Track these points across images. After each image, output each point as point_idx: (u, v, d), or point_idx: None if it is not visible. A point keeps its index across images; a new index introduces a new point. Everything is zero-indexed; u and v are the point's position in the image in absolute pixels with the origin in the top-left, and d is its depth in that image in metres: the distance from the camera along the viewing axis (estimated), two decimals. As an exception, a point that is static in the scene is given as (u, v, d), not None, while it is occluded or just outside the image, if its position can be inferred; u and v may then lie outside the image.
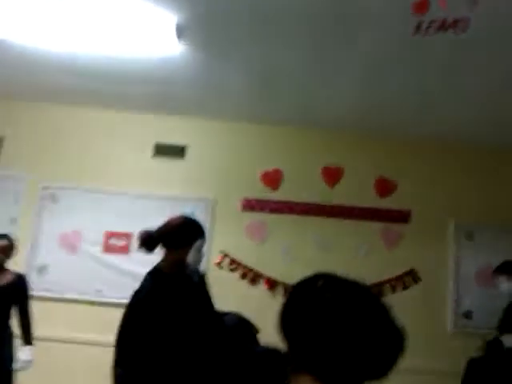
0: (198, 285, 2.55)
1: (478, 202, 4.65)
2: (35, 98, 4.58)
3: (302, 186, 4.65)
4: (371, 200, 4.66)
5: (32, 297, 3.63)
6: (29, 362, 3.41)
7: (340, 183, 4.69)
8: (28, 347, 3.43)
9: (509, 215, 4.62)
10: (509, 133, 4.34)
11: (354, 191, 4.65)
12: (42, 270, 4.33)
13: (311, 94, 3.97)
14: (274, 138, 4.73)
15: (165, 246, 2.43)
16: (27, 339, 3.45)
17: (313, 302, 0.88)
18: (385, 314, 0.90)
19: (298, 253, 4.49)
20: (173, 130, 4.70)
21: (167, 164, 4.63)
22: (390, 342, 0.87)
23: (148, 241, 2.42)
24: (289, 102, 4.14)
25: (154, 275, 2.44)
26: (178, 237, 2.40)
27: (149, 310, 2.31)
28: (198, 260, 2.49)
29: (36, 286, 4.25)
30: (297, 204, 4.61)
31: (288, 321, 0.92)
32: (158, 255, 4.31)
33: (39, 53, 3.51)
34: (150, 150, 4.65)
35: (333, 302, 0.87)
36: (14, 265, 4.05)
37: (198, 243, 2.43)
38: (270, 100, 4.15)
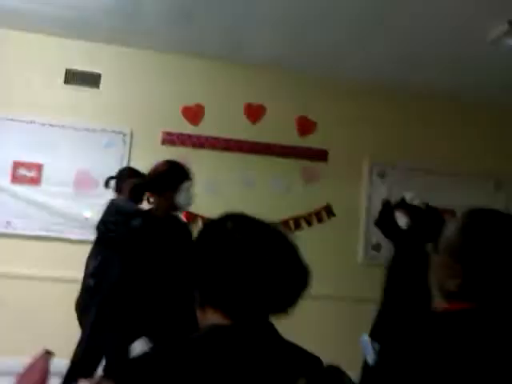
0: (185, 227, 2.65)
1: (391, 143, 4.86)
2: None
3: (225, 122, 4.62)
4: (292, 138, 4.72)
5: None
6: None
7: (262, 120, 4.71)
8: None
9: (418, 155, 4.88)
10: (420, 71, 4.52)
11: (276, 129, 4.69)
12: None
13: (237, 30, 3.89)
14: (196, 72, 4.61)
15: (153, 192, 2.51)
16: None
17: (222, 241, 0.91)
18: (290, 252, 0.93)
19: (219, 188, 4.49)
20: (87, 57, 4.42)
21: (81, 92, 4.38)
22: (293, 278, 0.91)
23: (136, 191, 2.45)
24: (212, 34, 4.03)
25: (145, 218, 2.50)
26: (165, 181, 2.48)
27: (140, 249, 2.37)
28: (188, 202, 2.57)
29: None
30: (218, 139, 4.58)
31: (197, 258, 0.93)
32: (68, 187, 4.19)
33: None
34: (61, 77, 4.37)
35: (241, 242, 0.89)
36: None
37: (185, 185, 2.51)
38: (192, 31, 4.02)
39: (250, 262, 0.87)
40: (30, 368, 1.17)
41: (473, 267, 1.01)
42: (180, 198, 2.50)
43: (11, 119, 4.18)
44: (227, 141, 4.59)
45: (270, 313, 0.91)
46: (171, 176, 2.50)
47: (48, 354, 1.20)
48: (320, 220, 4.66)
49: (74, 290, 4.07)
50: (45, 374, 1.13)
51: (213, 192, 4.47)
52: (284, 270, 0.89)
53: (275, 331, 0.90)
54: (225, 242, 0.90)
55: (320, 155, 4.76)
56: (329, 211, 4.69)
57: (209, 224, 0.98)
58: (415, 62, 4.24)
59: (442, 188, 4.84)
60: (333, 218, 4.69)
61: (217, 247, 0.90)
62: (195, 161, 4.50)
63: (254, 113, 4.70)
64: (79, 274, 4.19)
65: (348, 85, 4.81)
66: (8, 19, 4.10)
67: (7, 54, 4.29)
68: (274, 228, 0.95)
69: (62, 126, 4.26)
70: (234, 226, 0.92)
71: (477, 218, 1.08)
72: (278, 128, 4.69)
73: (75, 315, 3.32)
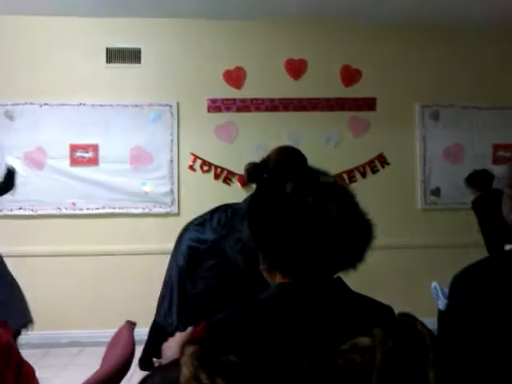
0: None
1: (440, 83, 4.67)
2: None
3: (266, 82, 4.57)
4: (336, 90, 4.62)
5: (3, 216, 3.59)
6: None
7: (304, 75, 4.62)
8: None
9: (470, 93, 4.67)
10: (465, 9, 4.27)
11: (319, 82, 4.60)
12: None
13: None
14: (232, 34, 4.55)
15: None
16: None
17: (284, 208, 0.88)
18: (352, 207, 0.91)
19: (268, 149, 4.48)
20: (125, 34, 4.45)
21: (124, 70, 4.44)
22: (357, 234, 0.89)
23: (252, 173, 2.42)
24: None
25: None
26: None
27: None
28: None
29: (8, 205, 4.21)
30: (263, 100, 4.55)
31: (259, 225, 0.92)
32: (124, 164, 4.31)
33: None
34: (103, 57, 4.44)
35: (303, 207, 0.87)
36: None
37: None
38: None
39: (313, 223, 0.87)
40: (116, 338, 1.24)
41: None
42: None
43: (62, 104, 4.32)
44: (272, 100, 4.55)
45: (338, 269, 0.92)
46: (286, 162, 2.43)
47: (131, 324, 1.26)
48: (374, 170, 4.59)
49: (143, 261, 4.28)
50: (130, 344, 1.20)
51: (261, 153, 4.46)
52: (347, 226, 0.88)
53: (345, 285, 0.91)
54: (285, 208, 0.89)
55: (368, 104, 4.64)
56: (383, 160, 4.61)
57: (266, 186, 0.97)
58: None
59: (499, 123, 4.64)
60: (387, 167, 4.61)
61: (277, 213, 0.89)
62: (242, 124, 4.52)
63: (296, 68, 4.62)
64: (147, 246, 4.39)
65: (388, 29, 4.62)
66: (39, 7, 4.18)
67: (47, 40, 4.39)
68: (333, 182, 0.94)
69: (111, 106, 4.36)
70: (294, 187, 0.91)
71: None
72: (321, 81, 4.60)
73: (147, 285, 3.47)
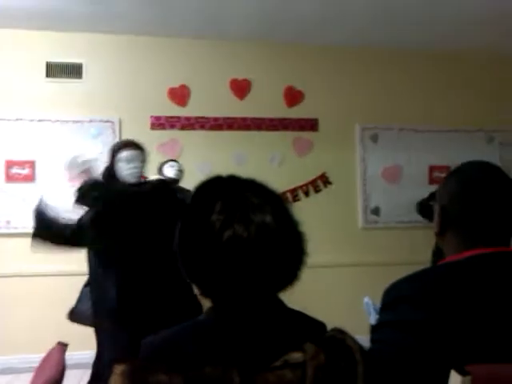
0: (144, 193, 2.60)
1: (379, 105, 4.85)
2: None
3: (211, 101, 4.58)
4: (281, 111, 4.70)
5: None
6: None
7: (249, 95, 4.68)
8: None
9: (408, 116, 4.87)
10: (407, 32, 4.48)
11: (263, 103, 4.67)
12: None
13: (212, 6, 3.84)
14: (177, 53, 4.56)
15: None
16: None
17: (211, 245, 0.86)
18: (290, 225, 0.92)
19: (211, 167, 4.49)
20: (66, 48, 4.36)
21: (64, 85, 4.33)
22: (291, 254, 0.91)
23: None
24: (188, 12, 3.98)
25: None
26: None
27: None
28: (133, 172, 2.56)
29: None
30: (207, 119, 4.56)
31: (189, 261, 0.90)
32: (67, 181, 4.17)
33: None
34: (43, 70, 4.31)
35: (230, 242, 0.85)
36: None
37: (120, 156, 2.56)
38: (167, 11, 3.96)
39: (241, 256, 0.85)
40: (45, 361, 1.19)
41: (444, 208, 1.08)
42: (119, 170, 2.55)
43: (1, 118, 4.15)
44: (216, 119, 4.57)
45: (274, 289, 0.91)
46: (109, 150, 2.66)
47: (62, 346, 1.21)
48: (317, 189, 4.68)
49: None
50: (60, 366, 1.15)
51: (206, 172, 4.45)
52: (274, 251, 0.88)
53: (280, 303, 0.91)
54: (212, 245, 0.86)
55: (310, 124, 4.75)
56: (325, 180, 4.71)
57: (196, 206, 0.94)
58: (394, 19, 4.20)
59: (435, 145, 4.85)
60: (329, 186, 4.71)
61: (204, 250, 0.87)
62: (186, 142, 4.50)
63: (240, 88, 4.67)
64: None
65: (331, 51, 4.77)
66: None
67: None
68: (259, 203, 0.91)
69: (50, 121, 4.23)
70: (219, 219, 0.89)
71: (458, 168, 1.14)
72: (265, 101, 4.67)
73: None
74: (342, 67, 4.82)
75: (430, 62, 4.92)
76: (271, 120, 4.66)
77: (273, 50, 4.69)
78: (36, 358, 3.70)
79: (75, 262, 4.15)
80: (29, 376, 3.65)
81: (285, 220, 0.91)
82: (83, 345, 3.60)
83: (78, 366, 3.42)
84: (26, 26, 4.21)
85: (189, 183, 4.51)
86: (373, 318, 1.31)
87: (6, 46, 4.26)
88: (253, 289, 0.86)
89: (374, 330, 0.99)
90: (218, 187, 0.93)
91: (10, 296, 4.09)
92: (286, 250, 0.89)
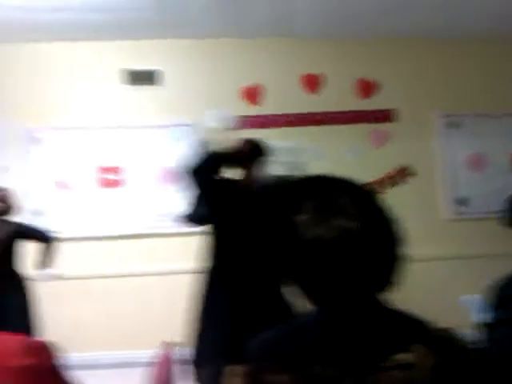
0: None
1: (460, 92, 4.65)
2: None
3: (284, 98, 4.60)
4: (354, 103, 4.64)
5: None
6: (47, 275, 3.56)
7: (321, 90, 4.65)
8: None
9: (492, 101, 4.64)
10: (490, 19, 4.27)
11: (337, 96, 4.62)
12: (38, 213, 4.32)
13: (285, 3, 3.86)
14: (249, 52, 4.61)
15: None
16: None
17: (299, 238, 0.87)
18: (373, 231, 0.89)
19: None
20: (143, 56, 4.54)
21: (145, 91, 4.52)
22: (383, 256, 0.89)
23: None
24: (262, 12, 4.03)
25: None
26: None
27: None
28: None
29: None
30: (280, 116, 4.59)
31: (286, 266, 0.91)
32: (156, 184, 4.37)
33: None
34: (124, 79, 4.52)
35: (321, 245, 0.85)
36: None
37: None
38: (241, 11, 4.02)
39: (335, 257, 0.85)
40: (157, 362, 1.26)
41: None
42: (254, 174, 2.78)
43: (87, 128, 4.43)
44: (289, 116, 4.59)
45: (372, 292, 0.91)
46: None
47: (169, 345, 1.27)
48: (397, 182, 4.57)
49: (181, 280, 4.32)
50: (170, 365, 1.21)
51: (289, 169, 4.49)
52: (370, 251, 0.87)
53: (380, 303, 0.91)
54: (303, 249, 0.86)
55: (386, 116, 4.64)
56: (405, 172, 4.59)
57: (280, 206, 0.93)
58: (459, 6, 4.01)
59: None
60: (410, 179, 4.58)
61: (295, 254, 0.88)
62: (262, 141, 4.55)
63: (312, 83, 4.65)
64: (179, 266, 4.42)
65: (401, 42, 4.63)
66: (61, 32, 4.29)
67: (69, 66, 4.50)
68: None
69: (134, 127, 4.45)
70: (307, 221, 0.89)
71: None
72: (338, 95, 4.62)
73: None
74: (416, 55, 4.67)
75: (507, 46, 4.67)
76: (345, 113, 4.61)
77: (342, 44, 4.63)
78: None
79: (160, 262, 4.37)
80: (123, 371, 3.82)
81: (375, 222, 0.90)
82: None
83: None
84: (104, 38, 4.43)
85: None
86: (480, 315, 1.26)
87: (88, 58, 4.52)
88: (346, 290, 0.86)
89: (489, 328, 0.96)
90: (305, 188, 0.93)
91: (97, 294, 4.34)
92: (374, 254, 0.88)
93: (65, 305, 4.24)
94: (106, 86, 4.51)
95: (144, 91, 4.53)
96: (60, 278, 4.24)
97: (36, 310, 3.52)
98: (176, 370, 1.22)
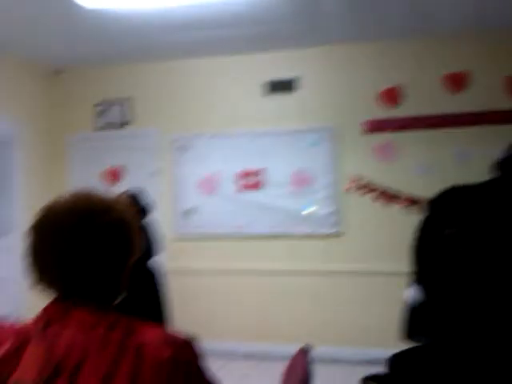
0: None
1: None
2: (155, 59, 4.85)
3: (425, 99, 4.44)
4: (504, 102, 4.32)
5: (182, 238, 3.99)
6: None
7: (466, 89, 4.40)
8: None
9: None
10: None
11: (484, 95, 4.33)
12: (187, 214, 4.71)
13: (424, 2, 3.74)
14: (387, 54, 4.53)
15: None
16: None
17: (442, 252, 0.86)
18: None
19: (430, 168, 4.34)
20: (281, 65, 4.70)
21: (281, 98, 4.67)
22: None
23: None
24: (400, 12, 3.94)
25: None
26: None
27: None
28: None
29: (185, 229, 4.70)
30: (422, 118, 4.43)
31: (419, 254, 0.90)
32: (286, 187, 4.51)
33: (141, 16, 3.73)
34: (263, 88, 4.70)
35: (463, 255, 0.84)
36: (164, 212, 4.51)
37: None
38: (378, 14, 3.97)
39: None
40: (292, 364, 1.30)
41: None
42: None
43: (227, 135, 4.72)
44: (431, 117, 4.41)
45: None
46: None
47: (306, 350, 1.30)
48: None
49: (309, 282, 4.43)
50: (305, 369, 1.24)
51: (425, 173, 4.34)
52: None
53: None
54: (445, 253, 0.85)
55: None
56: None
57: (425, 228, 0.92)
58: None
59: None
60: None
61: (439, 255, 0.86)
62: (402, 144, 4.45)
63: (456, 82, 4.42)
64: (308, 266, 4.54)
65: None
66: (205, 48, 4.62)
67: (214, 78, 4.83)
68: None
69: (272, 133, 4.63)
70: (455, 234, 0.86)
71: None
72: (486, 93, 4.33)
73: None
74: None
75: None
76: (494, 113, 4.31)
77: (487, 39, 4.34)
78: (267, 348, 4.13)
79: (297, 261, 4.49)
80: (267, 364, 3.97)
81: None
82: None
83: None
84: (241, 51, 4.69)
85: (409, 184, 4.46)
86: None
87: (226, 71, 4.80)
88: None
89: None
90: (452, 198, 0.91)
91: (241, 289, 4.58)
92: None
93: (202, 298, 4.65)
94: (247, 95, 4.75)
95: (282, 98, 4.68)
96: (200, 272, 4.60)
97: (171, 302, 3.80)
98: (311, 370, 1.24)
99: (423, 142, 4.39)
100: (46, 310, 0.95)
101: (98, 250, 0.96)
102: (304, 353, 1.34)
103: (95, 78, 5.06)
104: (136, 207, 3.66)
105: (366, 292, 4.36)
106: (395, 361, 0.89)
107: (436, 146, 4.36)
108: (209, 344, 4.30)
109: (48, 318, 0.93)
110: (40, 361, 0.88)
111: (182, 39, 4.32)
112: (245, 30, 4.17)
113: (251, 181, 4.62)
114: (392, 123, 4.47)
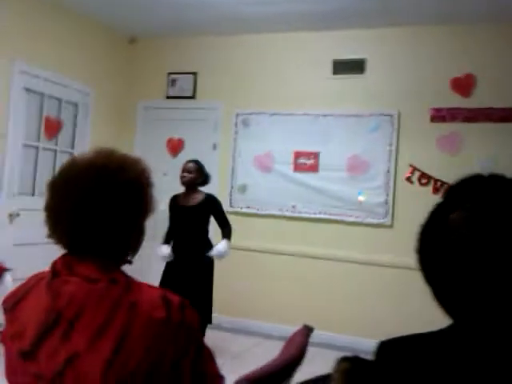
0: None
1: None
2: (220, 32, 4.90)
3: (500, 91, 4.17)
4: None
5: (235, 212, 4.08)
6: (222, 253, 3.73)
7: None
8: (224, 240, 3.78)
9: None
10: None
11: None
12: (242, 189, 4.80)
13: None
14: (462, 40, 4.28)
15: None
16: (224, 236, 3.82)
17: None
18: None
19: (498, 163, 4.09)
20: (350, 45, 4.59)
21: (348, 80, 4.58)
22: None
23: None
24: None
25: None
26: None
27: None
28: None
29: (238, 204, 4.79)
30: (494, 110, 4.17)
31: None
32: (342, 172, 4.44)
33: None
34: (329, 68, 4.64)
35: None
36: (220, 186, 4.62)
37: None
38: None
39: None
40: (291, 340, 1.33)
41: None
42: None
43: (289, 114, 4.69)
44: (504, 110, 4.14)
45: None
46: None
47: (308, 329, 1.34)
48: None
49: (353, 270, 4.39)
50: (303, 347, 1.27)
51: (488, 168, 4.10)
52: None
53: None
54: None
55: None
56: None
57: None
58: None
59: None
60: None
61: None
62: (468, 136, 4.24)
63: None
64: (354, 255, 4.48)
65: None
66: (272, 24, 4.60)
67: (280, 55, 4.80)
68: None
69: (332, 115, 4.56)
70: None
71: None
72: None
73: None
74: None
75: None
76: None
77: None
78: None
79: (341, 248, 4.45)
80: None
81: None
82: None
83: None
84: (310, 28, 4.60)
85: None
86: None
87: (294, 48, 4.75)
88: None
89: None
90: (469, 187, 0.85)
91: (286, 270, 4.62)
92: None
93: (245, 275, 4.71)
94: (314, 75, 4.68)
95: (348, 80, 4.58)
96: (248, 249, 4.66)
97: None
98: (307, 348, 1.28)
99: (490, 135, 4.15)
100: (55, 262, 1.00)
101: (111, 207, 0.98)
102: (304, 331, 1.35)
103: (168, 49, 5.21)
104: (201, 175, 3.86)
105: (409, 286, 4.21)
106: (382, 348, 0.89)
107: (503, 140, 4.11)
108: (248, 322, 4.52)
109: (56, 269, 0.98)
110: (44, 308, 0.95)
111: (253, 14, 4.34)
112: (319, 5, 4.10)
113: (307, 162, 4.61)
114: (460, 113, 4.26)
